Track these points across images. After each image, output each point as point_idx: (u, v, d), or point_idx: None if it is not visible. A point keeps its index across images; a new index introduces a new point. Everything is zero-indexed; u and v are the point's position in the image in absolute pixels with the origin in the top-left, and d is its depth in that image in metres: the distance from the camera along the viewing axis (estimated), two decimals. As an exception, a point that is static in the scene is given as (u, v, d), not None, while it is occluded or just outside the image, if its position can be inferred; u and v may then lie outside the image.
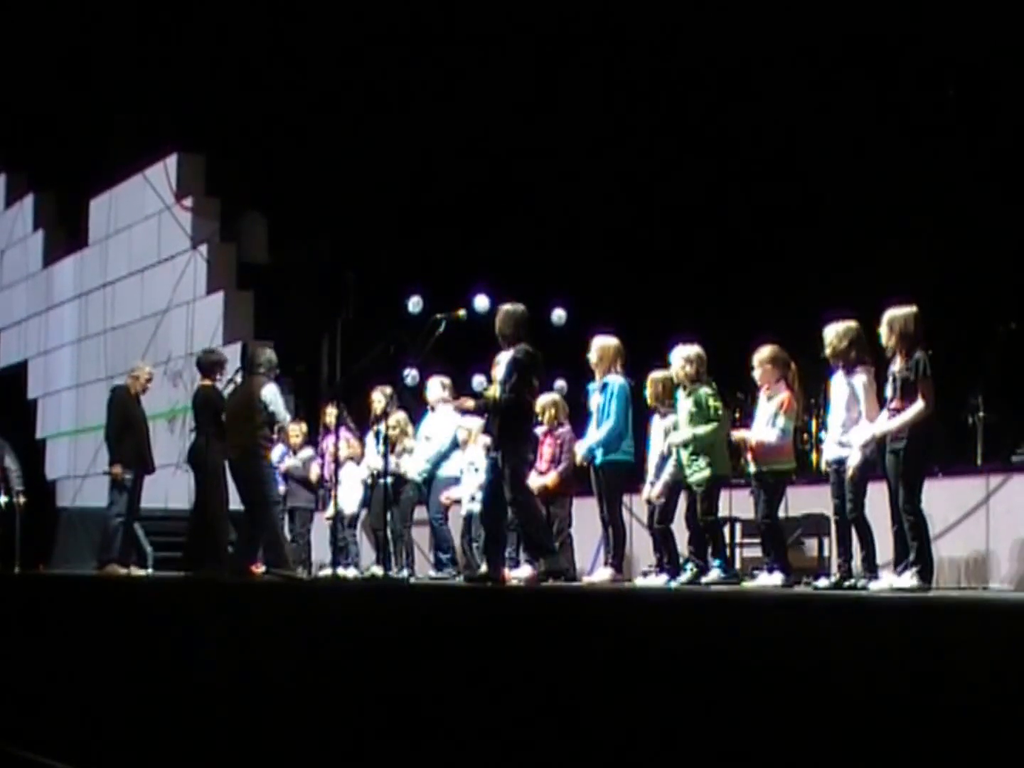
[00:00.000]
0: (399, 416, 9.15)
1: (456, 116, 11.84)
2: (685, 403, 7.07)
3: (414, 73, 12.00)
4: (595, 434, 7.53)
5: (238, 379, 9.19)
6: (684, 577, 7.04)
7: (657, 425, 7.45)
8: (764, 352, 6.79)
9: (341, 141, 12.71)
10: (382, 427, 8.46)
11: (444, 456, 8.98)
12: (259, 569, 8.67)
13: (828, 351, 6.48)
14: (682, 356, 7.07)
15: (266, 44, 13.43)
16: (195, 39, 13.83)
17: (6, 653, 6.54)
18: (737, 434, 6.99)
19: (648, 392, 7.45)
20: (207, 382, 9.14)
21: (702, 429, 6.97)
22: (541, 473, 8.05)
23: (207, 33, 13.74)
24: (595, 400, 7.62)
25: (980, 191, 8.47)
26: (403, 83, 12.12)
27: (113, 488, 9.57)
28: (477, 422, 8.59)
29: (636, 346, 7.91)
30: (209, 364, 9.26)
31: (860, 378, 6.31)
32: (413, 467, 9.02)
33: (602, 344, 7.62)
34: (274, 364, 8.62)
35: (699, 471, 7.07)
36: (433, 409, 8.99)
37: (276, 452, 9.39)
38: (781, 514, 7.01)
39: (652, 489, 7.38)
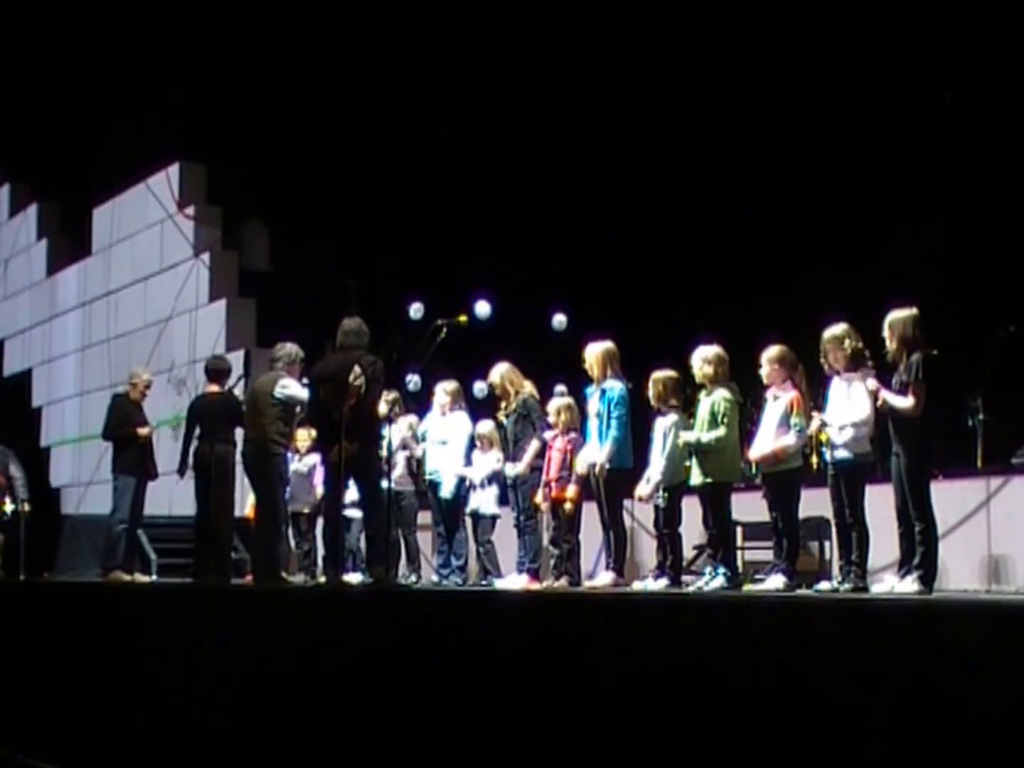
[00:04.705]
0: (411, 419, 9.19)
1: (456, 123, 11.88)
2: (705, 403, 7.07)
3: (413, 81, 12.03)
4: (597, 446, 7.57)
5: (238, 389, 9.22)
6: (717, 582, 6.89)
7: (658, 425, 7.45)
8: (773, 351, 6.78)
9: (342, 150, 12.75)
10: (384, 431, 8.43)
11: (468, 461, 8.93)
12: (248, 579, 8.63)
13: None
14: (701, 357, 7.07)
15: (268, 55, 13.48)
16: (197, 49, 13.88)
17: (11, 661, 6.56)
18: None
19: (650, 392, 7.47)
20: (212, 388, 9.17)
21: (708, 435, 6.97)
22: (548, 481, 8.05)
23: (209, 43, 13.79)
24: (593, 405, 7.65)
25: (979, 195, 8.49)
26: (402, 91, 12.15)
27: (116, 495, 9.61)
28: (491, 425, 8.62)
29: (637, 349, 7.93)
30: (215, 370, 9.27)
31: (862, 380, 6.34)
32: (447, 475, 8.85)
33: (594, 350, 7.66)
34: (294, 358, 8.28)
35: (703, 475, 7.08)
36: (444, 414, 8.99)
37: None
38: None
39: (643, 487, 7.37)
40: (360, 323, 7.59)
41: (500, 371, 8.34)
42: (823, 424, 6.44)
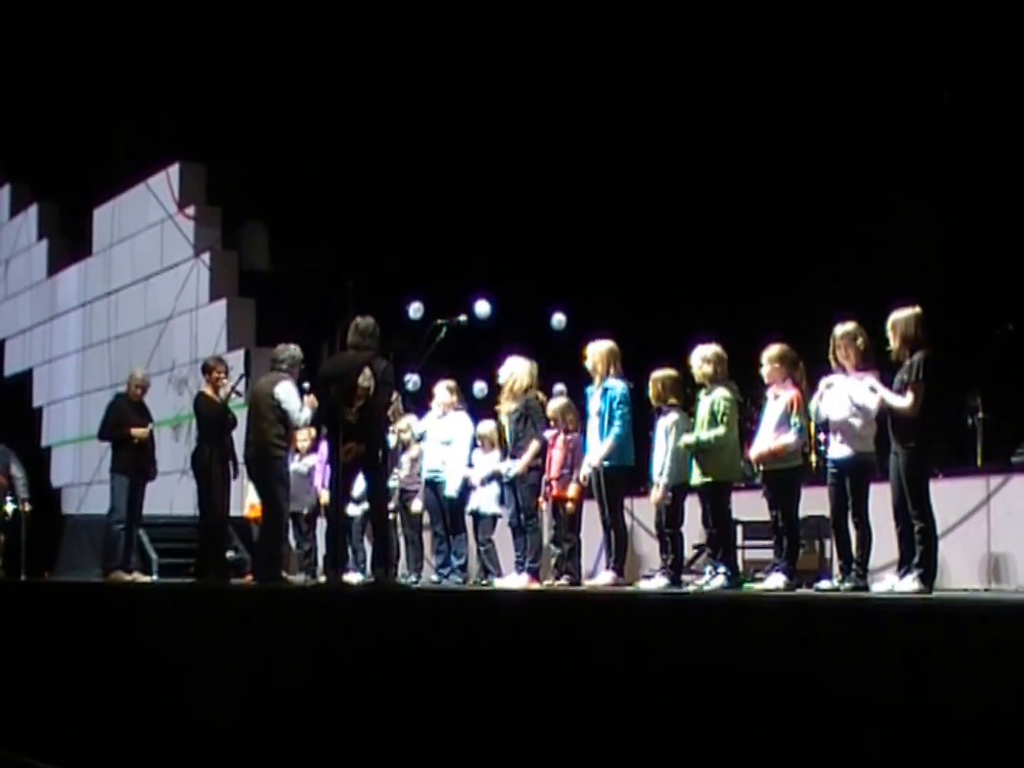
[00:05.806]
0: (409, 419, 9.19)
1: (456, 123, 11.88)
2: (705, 403, 7.07)
3: (413, 82, 12.03)
4: (598, 444, 7.56)
5: (239, 388, 9.22)
6: (717, 582, 6.90)
7: (660, 425, 7.45)
8: (773, 350, 6.78)
9: (341, 149, 12.75)
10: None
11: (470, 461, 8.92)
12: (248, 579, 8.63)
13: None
14: (700, 356, 7.06)
15: (268, 56, 13.48)
16: (197, 49, 13.88)
17: (11, 661, 6.56)
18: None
19: (651, 392, 7.47)
20: (207, 389, 9.17)
21: (707, 433, 6.97)
22: (549, 480, 8.05)
23: (209, 43, 13.79)
24: (595, 404, 7.64)
25: (979, 194, 8.49)
26: (402, 92, 12.15)
27: (112, 495, 9.60)
28: (492, 425, 8.61)
29: (637, 349, 7.93)
30: (208, 368, 9.28)
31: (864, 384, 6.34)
32: (453, 474, 8.85)
33: (596, 349, 7.65)
34: (296, 361, 8.21)
35: (703, 475, 7.08)
36: (445, 413, 8.99)
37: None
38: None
39: (656, 492, 7.37)
40: (374, 324, 7.52)
41: (526, 367, 8.11)
42: (828, 386, 6.37)
